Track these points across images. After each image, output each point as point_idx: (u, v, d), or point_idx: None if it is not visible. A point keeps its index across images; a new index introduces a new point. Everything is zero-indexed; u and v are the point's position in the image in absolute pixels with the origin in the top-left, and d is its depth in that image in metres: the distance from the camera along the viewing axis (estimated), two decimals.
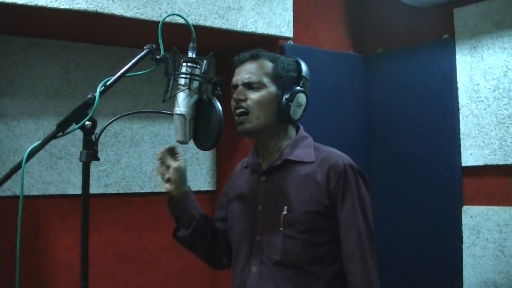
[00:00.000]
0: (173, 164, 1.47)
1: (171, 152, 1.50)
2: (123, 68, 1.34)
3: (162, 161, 1.49)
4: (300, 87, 1.49)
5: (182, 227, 1.56)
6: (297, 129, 1.58)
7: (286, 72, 1.50)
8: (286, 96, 1.46)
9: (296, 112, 1.48)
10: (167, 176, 1.48)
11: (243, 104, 1.46)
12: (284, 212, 1.43)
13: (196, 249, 1.63)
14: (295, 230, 1.42)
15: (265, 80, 1.47)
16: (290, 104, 1.46)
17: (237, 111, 1.48)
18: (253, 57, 1.50)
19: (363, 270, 1.40)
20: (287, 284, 1.42)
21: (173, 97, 1.38)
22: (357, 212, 1.43)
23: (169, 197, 1.53)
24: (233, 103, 1.49)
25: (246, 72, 1.48)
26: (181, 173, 1.48)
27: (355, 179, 1.45)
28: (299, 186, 1.45)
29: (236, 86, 1.50)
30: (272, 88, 1.47)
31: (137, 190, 2.70)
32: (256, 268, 1.46)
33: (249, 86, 1.47)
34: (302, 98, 1.49)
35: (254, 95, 1.46)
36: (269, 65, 1.49)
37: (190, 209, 1.53)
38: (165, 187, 1.50)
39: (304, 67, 1.53)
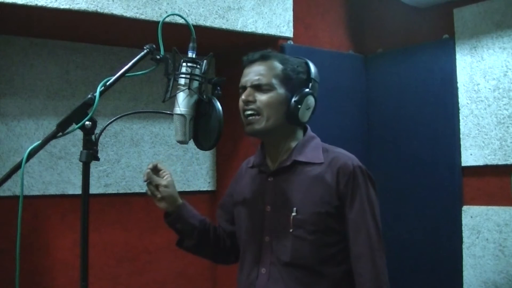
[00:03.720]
0: (162, 182, 1.49)
1: (155, 170, 1.52)
2: (123, 68, 1.34)
3: (150, 182, 1.50)
4: (309, 89, 1.49)
5: (186, 238, 1.58)
6: (305, 130, 1.57)
7: (296, 74, 1.48)
8: (295, 98, 1.45)
9: (305, 115, 1.48)
10: (158, 195, 1.50)
11: (252, 106, 1.45)
12: (294, 214, 1.42)
13: (203, 253, 1.67)
14: (304, 231, 1.41)
15: (275, 82, 1.46)
16: (299, 106, 1.45)
17: (246, 112, 1.46)
18: (263, 58, 1.49)
19: (372, 271, 1.39)
20: (296, 285, 1.41)
21: (173, 97, 1.38)
22: (366, 213, 1.42)
23: (165, 213, 1.56)
24: (241, 104, 1.47)
25: (255, 73, 1.47)
26: (171, 189, 1.51)
27: (364, 181, 1.45)
28: (308, 187, 1.45)
29: (244, 88, 1.48)
30: (281, 90, 1.46)
31: (137, 190, 2.70)
32: (265, 269, 1.46)
33: (258, 88, 1.46)
34: (311, 100, 1.48)
35: (263, 97, 1.45)
36: (279, 66, 1.48)
37: (190, 219, 1.55)
38: (160, 206, 1.52)
39: (313, 69, 1.52)
